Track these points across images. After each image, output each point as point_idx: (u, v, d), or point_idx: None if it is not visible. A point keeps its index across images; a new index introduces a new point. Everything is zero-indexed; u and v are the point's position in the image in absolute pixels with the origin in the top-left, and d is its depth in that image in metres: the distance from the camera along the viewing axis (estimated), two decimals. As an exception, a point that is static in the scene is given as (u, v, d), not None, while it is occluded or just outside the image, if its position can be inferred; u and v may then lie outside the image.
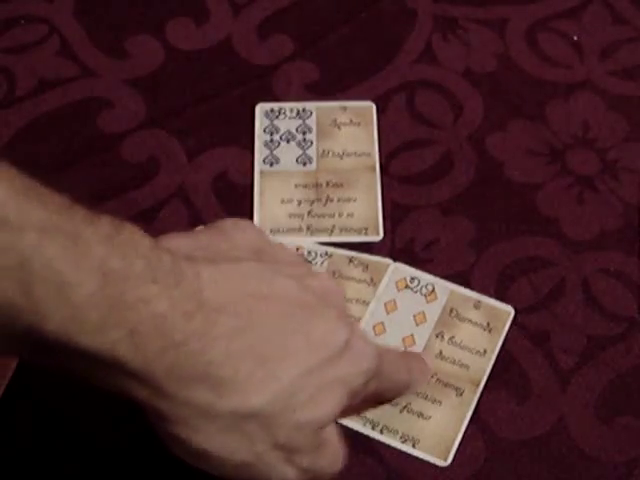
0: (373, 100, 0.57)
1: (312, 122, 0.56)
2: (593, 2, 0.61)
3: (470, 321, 0.48)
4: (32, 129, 0.56)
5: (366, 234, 0.52)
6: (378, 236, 0.52)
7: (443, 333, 0.48)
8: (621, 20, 0.61)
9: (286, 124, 0.56)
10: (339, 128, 0.56)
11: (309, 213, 0.53)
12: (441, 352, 0.47)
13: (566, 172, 0.54)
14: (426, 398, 0.46)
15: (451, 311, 0.48)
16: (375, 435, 0.45)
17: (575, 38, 0.60)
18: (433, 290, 0.49)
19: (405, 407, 0.46)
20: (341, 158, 0.55)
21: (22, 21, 0.60)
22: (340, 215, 0.53)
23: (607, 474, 0.45)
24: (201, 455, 0.32)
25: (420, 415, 0.46)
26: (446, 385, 0.46)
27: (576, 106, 0.57)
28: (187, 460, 0.33)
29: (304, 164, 0.55)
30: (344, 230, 0.52)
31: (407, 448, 0.45)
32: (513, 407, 0.47)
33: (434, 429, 0.45)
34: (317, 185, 0.54)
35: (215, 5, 0.61)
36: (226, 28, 0.60)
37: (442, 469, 0.45)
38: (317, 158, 0.55)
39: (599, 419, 0.47)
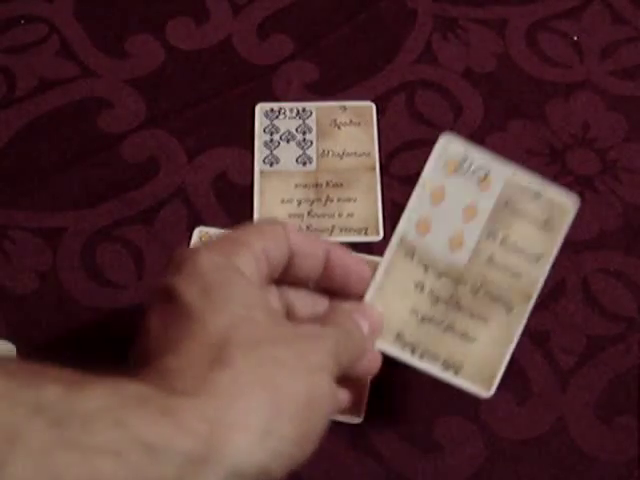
0: (373, 100, 0.57)
1: (312, 122, 0.56)
2: (593, 2, 0.61)
3: (526, 217, 0.41)
4: (32, 129, 0.56)
5: (366, 234, 0.52)
6: (378, 236, 0.52)
7: (496, 232, 0.41)
8: (621, 20, 0.61)
9: (286, 124, 0.56)
10: (339, 128, 0.56)
11: (309, 213, 0.53)
12: (492, 257, 0.41)
13: (566, 172, 0.54)
14: (472, 316, 0.41)
15: (507, 204, 0.41)
16: (414, 361, 0.40)
17: (575, 38, 0.60)
18: (489, 175, 0.41)
19: (448, 327, 0.41)
20: (341, 158, 0.55)
21: (22, 21, 0.60)
22: (340, 215, 0.53)
23: (607, 474, 0.45)
24: None
25: (464, 336, 0.40)
26: (494, 299, 0.41)
27: (576, 106, 0.57)
28: None
29: (304, 164, 0.55)
30: (344, 230, 0.52)
31: (448, 376, 0.40)
32: (513, 407, 0.47)
33: (479, 353, 0.40)
34: (317, 185, 0.54)
35: (215, 5, 0.61)
36: (226, 28, 0.60)
37: (442, 468, 0.45)
38: (317, 158, 0.55)
39: (599, 419, 0.47)
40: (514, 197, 0.41)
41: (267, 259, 0.37)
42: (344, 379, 0.37)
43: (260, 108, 0.57)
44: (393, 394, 0.47)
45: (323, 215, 0.53)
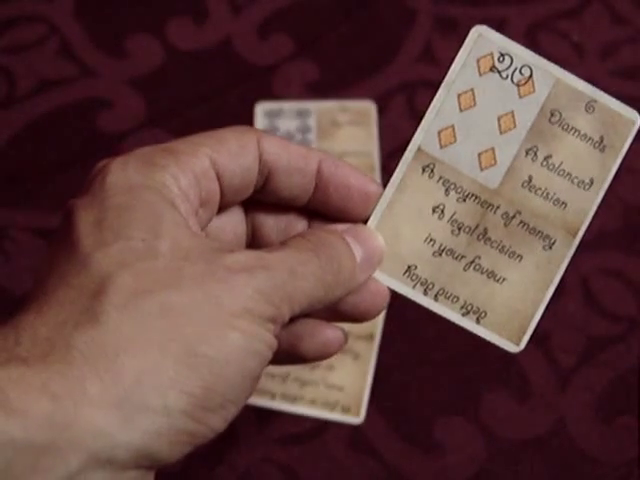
0: (373, 100, 0.57)
1: (312, 122, 0.56)
2: (593, 2, 0.61)
3: (577, 132, 0.34)
4: (32, 129, 0.56)
5: (366, 234, 0.52)
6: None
7: (537, 149, 0.33)
8: (621, 20, 0.61)
9: (286, 124, 0.56)
10: (339, 128, 0.56)
11: (309, 213, 0.53)
12: (530, 179, 0.33)
13: (566, 172, 0.54)
14: (502, 250, 0.33)
15: (552, 114, 0.34)
16: (427, 302, 0.33)
17: (575, 38, 0.60)
18: (531, 77, 0.34)
19: (472, 262, 0.33)
20: (341, 158, 0.55)
21: (22, 22, 0.60)
22: (340, 215, 0.53)
23: (607, 474, 0.45)
24: None
25: (491, 275, 0.33)
26: (531, 232, 0.33)
27: (576, 106, 0.57)
28: None
29: (304, 164, 0.55)
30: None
31: (468, 323, 0.33)
32: (513, 407, 0.47)
33: (508, 297, 0.33)
34: (317, 185, 0.54)
35: (215, 5, 0.61)
36: (226, 28, 0.60)
37: (442, 468, 0.45)
38: (317, 158, 0.55)
39: (599, 419, 0.47)
40: (562, 107, 0.33)
41: (219, 176, 0.30)
42: (340, 316, 0.32)
43: (260, 108, 0.57)
44: (393, 394, 0.47)
45: (323, 215, 0.53)
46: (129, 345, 0.24)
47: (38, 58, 0.58)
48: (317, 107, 0.57)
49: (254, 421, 0.47)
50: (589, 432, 0.46)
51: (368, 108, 0.57)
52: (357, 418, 0.47)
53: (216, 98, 0.57)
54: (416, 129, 0.34)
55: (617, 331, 0.49)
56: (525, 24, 0.60)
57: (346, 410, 0.47)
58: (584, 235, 0.53)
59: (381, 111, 0.57)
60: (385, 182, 0.34)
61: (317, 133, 0.56)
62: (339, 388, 0.47)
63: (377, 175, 0.54)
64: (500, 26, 0.60)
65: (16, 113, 0.56)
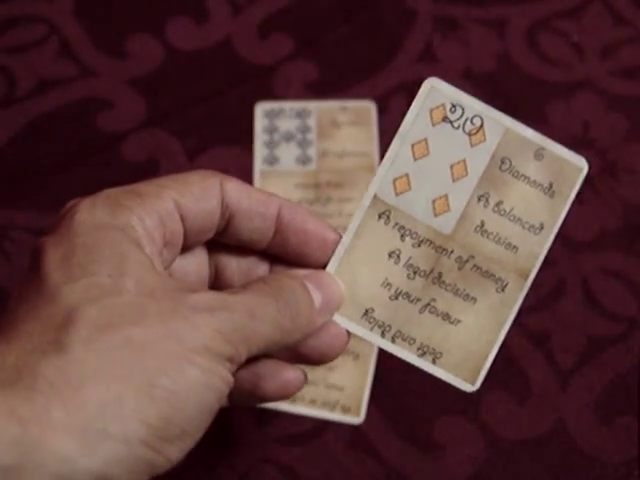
0: (373, 100, 0.57)
1: (312, 122, 0.56)
2: (593, 2, 0.61)
3: (527, 178, 0.35)
4: (32, 129, 0.56)
5: (366, 234, 0.52)
6: (378, 236, 0.52)
7: (488, 195, 0.35)
8: (621, 20, 0.61)
9: (286, 124, 0.56)
10: (339, 128, 0.56)
11: (309, 213, 0.53)
12: (483, 224, 0.35)
13: (566, 172, 0.54)
14: (456, 293, 0.35)
15: (503, 162, 0.35)
16: (384, 344, 0.34)
17: (575, 38, 0.60)
18: (481, 126, 0.35)
19: (427, 305, 0.35)
20: (341, 158, 0.55)
21: (22, 22, 0.60)
22: (340, 215, 0.53)
23: (607, 474, 0.45)
24: None
25: (446, 317, 0.35)
26: (484, 275, 0.35)
27: (576, 106, 0.57)
28: None
29: (304, 164, 0.55)
30: (344, 230, 0.52)
31: (425, 364, 0.34)
32: (513, 407, 0.47)
33: (463, 338, 0.35)
34: (317, 185, 0.54)
35: (215, 5, 0.61)
36: (226, 28, 0.60)
37: (442, 468, 0.45)
38: (317, 158, 0.55)
39: (599, 419, 0.47)
40: (512, 154, 0.35)
41: (183, 218, 0.31)
42: (300, 358, 0.33)
43: (260, 108, 0.57)
44: (393, 394, 0.47)
45: (323, 215, 0.53)
46: (93, 375, 0.25)
47: (38, 58, 0.58)
48: (317, 107, 0.57)
49: (254, 421, 0.47)
50: (589, 432, 0.46)
51: (368, 108, 0.57)
52: (357, 418, 0.47)
53: (216, 98, 0.57)
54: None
55: (617, 331, 0.49)
56: (525, 24, 0.60)
57: (346, 410, 0.47)
58: (584, 235, 0.53)
59: (381, 111, 0.57)
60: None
61: (317, 133, 0.56)
62: (339, 388, 0.48)
63: (377, 175, 0.54)
64: (500, 26, 0.60)
65: (16, 113, 0.56)
